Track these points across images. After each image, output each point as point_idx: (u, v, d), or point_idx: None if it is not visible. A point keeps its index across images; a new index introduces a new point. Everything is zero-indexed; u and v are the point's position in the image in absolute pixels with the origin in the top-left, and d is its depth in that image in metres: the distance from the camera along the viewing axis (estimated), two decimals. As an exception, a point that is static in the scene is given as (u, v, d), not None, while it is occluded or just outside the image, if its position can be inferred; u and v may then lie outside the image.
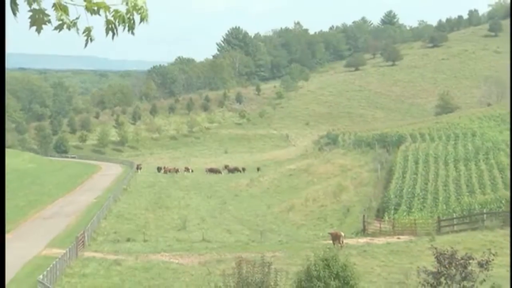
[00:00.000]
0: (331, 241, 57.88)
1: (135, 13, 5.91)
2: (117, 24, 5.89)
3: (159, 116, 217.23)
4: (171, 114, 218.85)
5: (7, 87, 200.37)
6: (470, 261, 30.67)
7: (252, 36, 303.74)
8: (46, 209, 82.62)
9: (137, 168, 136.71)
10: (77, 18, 5.91)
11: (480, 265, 30.58)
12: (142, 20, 5.94)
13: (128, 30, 5.91)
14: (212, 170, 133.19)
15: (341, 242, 57.96)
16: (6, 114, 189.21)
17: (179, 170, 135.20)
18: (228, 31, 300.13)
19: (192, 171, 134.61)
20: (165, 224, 76.90)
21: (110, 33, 5.92)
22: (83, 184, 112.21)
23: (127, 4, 5.90)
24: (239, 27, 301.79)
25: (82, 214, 78.00)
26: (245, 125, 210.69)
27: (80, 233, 61.72)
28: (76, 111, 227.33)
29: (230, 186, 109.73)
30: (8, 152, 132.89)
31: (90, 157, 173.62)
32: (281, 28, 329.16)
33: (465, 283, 29.96)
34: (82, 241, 59.97)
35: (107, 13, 5.90)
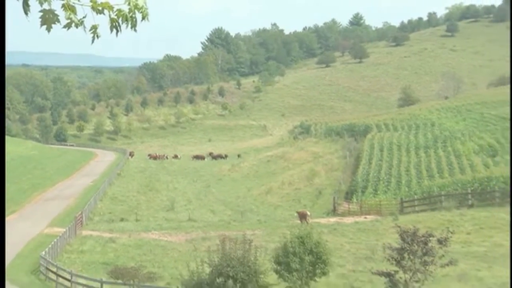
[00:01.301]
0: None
1: (136, 12, 5.91)
2: (120, 22, 5.89)
3: (149, 108, 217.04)
4: (160, 106, 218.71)
5: (12, 82, 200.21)
6: (430, 238, 30.71)
7: (233, 36, 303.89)
8: (47, 192, 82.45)
9: (130, 155, 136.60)
10: (84, 17, 5.91)
11: (439, 241, 30.64)
12: (143, 18, 5.96)
13: (131, 28, 5.92)
14: (197, 157, 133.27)
15: (307, 220, 58.32)
16: (11, 107, 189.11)
17: (168, 157, 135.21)
18: (212, 32, 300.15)
19: (179, 157, 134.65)
20: (155, 205, 76.90)
21: (114, 30, 5.94)
22: (81, 169, 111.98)
23: (129, 4, 5.91)
24: (221, 28, 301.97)
25: (80, 197, 77.88)
26: (227, 116, 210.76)
27: (78, 213, 61.68)
28: (74, 104, 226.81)
29: (214, 171, 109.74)
30: (12, 140, 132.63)
31: (87, 145, 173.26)
32: (259, 29, 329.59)
33: (426, 258, 30.02)
34: (80, 221, 59.91)
35: (111, 13, 5.91)
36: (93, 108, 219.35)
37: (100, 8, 5.82)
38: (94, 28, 5.92)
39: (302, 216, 59.42)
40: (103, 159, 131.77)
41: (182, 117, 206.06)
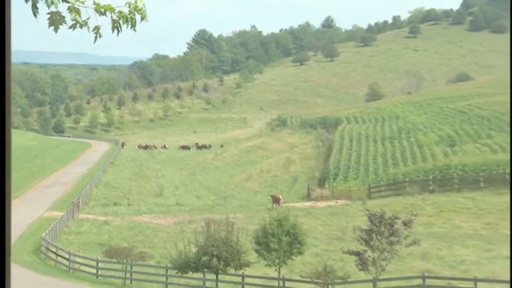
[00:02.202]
0: (283, 204, 58.26)
1: (136, 13, 5.91)
2: (121, 23, 5.89)
3: (140, 102, 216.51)
4: (149, 101, 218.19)
5: (14, 78, 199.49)
6: (396, 220, 30.83)
7: (216, 37, 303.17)
8: (47, 179, 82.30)
9: (122, 145, 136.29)
10: (88, 19, 5.90)
11: (404, 223, 30.76)
12: (142, 19, 5.96)
13: (131, 28, 5.93)
14: (183, 147, 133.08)
15: (280, 203, 58.61)
16: (13, 101, 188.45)
17: (157, 147, 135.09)
18: (196, 33, 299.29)
19: (167, 147, 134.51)
20: (145, 191, 76.83)
21: (116, 31, 5.93)
22: (77, 158, 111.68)
23: (129, 6, 5.91)
24: (205, 29, 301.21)
25: (76, 183, 77.76)
26: (210, 110, 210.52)
27: (75, 198, 61.66)
28: (71, 98, 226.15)
29: (199, 160, 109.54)
30: (14, 132, 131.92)
31: (83, 136, 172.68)
32: (240, 30, 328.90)
33: (392, 238, 30.13)
34: (77, 205, 59.85)
35: (113, 14, 5.91)
36: (88, 103, 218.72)
37: (102, 10, 5.82)
38: (96, 29, 5.91)
39: (275, 200, 60.05)
40: (98, 149, 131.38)
41: (170, 110, 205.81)
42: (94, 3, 5.82)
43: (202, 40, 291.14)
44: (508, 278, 33.11)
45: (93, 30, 5.93)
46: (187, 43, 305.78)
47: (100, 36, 6.04)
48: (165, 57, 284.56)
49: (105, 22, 6.05)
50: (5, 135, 2.04)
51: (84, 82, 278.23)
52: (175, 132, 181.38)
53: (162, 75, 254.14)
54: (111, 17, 5.86)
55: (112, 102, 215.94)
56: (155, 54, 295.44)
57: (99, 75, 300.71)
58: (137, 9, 5.74)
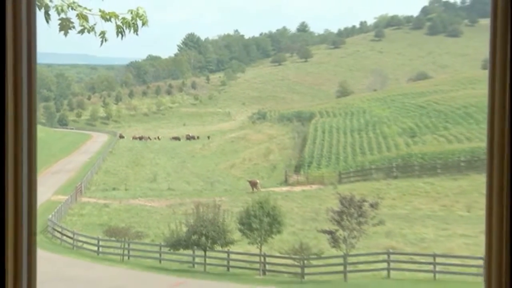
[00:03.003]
0: (262, 189, 58.31)
1: (138, 19, 5.91)
2: (124, 28, 5.88)
3: (135, 98, 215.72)
4: (144, 97, 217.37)
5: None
6: (364, 203, 30.99)
7: (203, 40, 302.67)
8: (53, 167, 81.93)
9: (119, 137, 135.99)
10: (94, 24, 5.89)
11: (371, 205, 30.93)
12: (143, 24, 5.97)
13: (133, 32, 5.93)
14: (174, 138, 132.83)
15: (257, 187, 58.81)
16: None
17: (150, 138, 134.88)
18: (185, 36, 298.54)
19: (160, 139, 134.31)
20: (140, 177, 76.66)
21: (120, 35, 5.93)
22: (80, 148, 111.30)
23: (131, 13, 5.91)
24: (193, 33, 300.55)
25: (79, 170, 77.46)
26: (198, 105, 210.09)
27: (78, 184, 61.48)
28: (73, 95, 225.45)
29: (188, 150, 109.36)
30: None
31: (84, 128, 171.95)
32: (224, 34, 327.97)
33: (360, 219, 30.28)
34: (80, 190, 59.69)
35: (117, 20, 5.90)
36: (89, 98, 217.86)
37: (108, 17, 5.83)
38: (102, 33, 5.91)
39: (253, 184, 60.46)
40: (98, 140, 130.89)
41: (162, 106, 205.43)
42: (100, 11, 5.84)
43: (191, 42, 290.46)
44: (463, 253, 33.38)
45: (99, 35, 5.94)
46: (178, 46, 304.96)
47: (105, 40, 6.05)
48: (157, 58, 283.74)
49: (109, 28, 6.07)
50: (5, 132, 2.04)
51: (85, 80, 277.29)
52: (167, 124, 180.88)
53: (155, 74, 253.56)
54: (116, 23, 5.87)
55: (110, 98, 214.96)
56: (149, 55, 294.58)
57: (98, 74, 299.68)
58: (139, 15, 5.76)
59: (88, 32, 5.81)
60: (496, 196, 2.05)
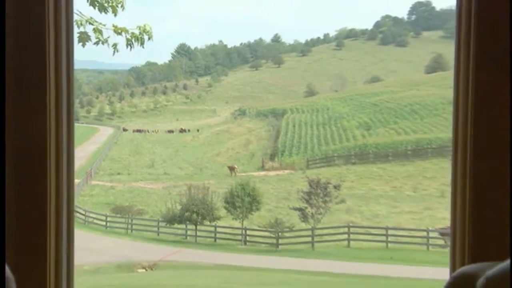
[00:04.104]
0: (244, 173, 58.25)
1: (144, 34, 5.90)
2: (133, 41, 5.88)
3: (135, 97, 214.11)
4: (143, 97, 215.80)
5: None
6: (328, 185, 31.14)
7: (193, 49, 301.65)
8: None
9: (123, 130, 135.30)
10: (108, 37, 5.89)
11: (334, 187, 31.09)
12: (149, 38, 5.96)
13: (140, 45, 5.93)
14: (169, 131, 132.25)
15: (235, 171, 58.85)
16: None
17: (148, 131, 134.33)
18: (178, 46, 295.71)
19: (157, 131, 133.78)
20: (140, 164, 76.27)
21: (129, 47, 5.93)
22: (89, 139, 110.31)
23: (139, 29, 5.90)
24: (184, 43, 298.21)
25: (89, 158, 76.80)
26: (189, 103, 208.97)
27: (88, 169, 61.16)
28: (84, 95, 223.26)
29: (180, 141, 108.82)
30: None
31: (93, 123, 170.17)
32: (210, 44, 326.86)
33: (325, 198, 30.44)
34: (90, 174, 59.33)
35: (127, 34, 5.90)
36: (97, 98, 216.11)
37: (119, 31, 5.82)
38: (114, 45, 5.91)
39: (231, 169, 60.62)
40: (104, 133, 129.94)
41: (158, 104, 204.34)
42: (113, 26, 5.84)
43: (182, 51, 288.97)
44: (410, 226, 33.59)
45: (112, 46, 5.95)
46: (171, 53, 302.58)
47: (117, 51, 6.06)
48: (154, 64, 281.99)
49: (120, 40, 6.06)
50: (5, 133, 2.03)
51: (94, 82, 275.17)
52: (162, 119, 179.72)
53: (152, 77, 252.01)
54: (126, 36, 5.87)
55: (114, 98, 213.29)
56: (147, 62, 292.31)
57: (105, 77, 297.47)
58: (146, 31, 5.77)
59: (102, 43, 5.82)
60: (460, 178, 2.07)
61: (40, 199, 2.17)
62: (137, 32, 5.99)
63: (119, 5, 5.90)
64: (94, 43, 6.03)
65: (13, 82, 2.15)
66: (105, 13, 6.01)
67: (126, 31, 5.98)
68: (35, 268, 2.14)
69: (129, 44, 6.04)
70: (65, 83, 2.32)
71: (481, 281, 1.50)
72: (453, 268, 2.13)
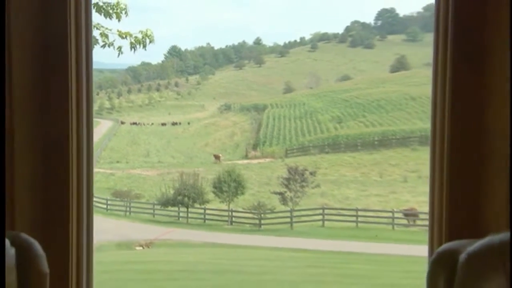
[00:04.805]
0: (230, 161, 58.20)
1: (146, 38, 5.87)
2: (136, 44, 5.85)
3: (132, 94, 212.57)
4: (138, 93, 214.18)
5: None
6: (305, 171, 31.18)
7: (183, 50, 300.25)
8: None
9: (121, 123, 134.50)
10: (113, 41, 5.86)
11: (310, 173, 31.15)
12: (150, 42, 5.94)
13: (143, 48, 5.91)
14: (162, 124, 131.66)
15: (220, 160, 58.93)
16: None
17: (144, 124, 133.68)
18: (170, 47, 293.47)
19: (151, 124, 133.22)
20: (137, 153, 75.98)
21: (133, 50, 5.90)
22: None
23: (141, 33, 5.87)
24: (176, 45, 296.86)
25: (91, 148, 76.67)
26: (180, 99, 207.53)
27: (91, 158, 60.91)
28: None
29: (172, 132, 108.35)
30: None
31: (95, 117, 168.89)
32: (199, 46, 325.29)
33: (303, 183, 30.49)
34: (92, 163, 59.11)
35: (131, 38, 5.87)
36: (97, 94, 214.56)
37: (124, 36, 5.79)
38: (119, 48, 5.88)
39: (217, 157, 60.82)
40: (104, 125, 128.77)
41: (152, 99, 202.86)
42: (118, 31, 5.82)
43: (174, 52, 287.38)
44: (377, 208, 33.74)
45: (117, 49, 5.93)
46: (164, 54, 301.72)
47: (122, 53, 6.03)
48: (149, 64, 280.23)
49: (125, 43, 6.02)
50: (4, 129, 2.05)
51: (95, 80, 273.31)
52: (156, 114, 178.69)
53: (147, 76, 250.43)
54: (129, 40, 5.85)
55: (113, 94, 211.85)
56: (142, 62, 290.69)
57: (104, 75, 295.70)
58: (147, 35, 5.76)
59: (109, 46, 5.80)
60: (437, 164, 2.09)
61: (63, 182, 2.23)
62: (139, 36, 5.96)
63: (123, 12, 5.89)
64: (101, 46, 6.00)
65: (40, 81, 2.18)
66: (110, 19, 5.98)
67: (130, 35, 5.95)
68: (60, 241, 2.20)
69: (132, 47, 6.01)
70: (84, 82, 2.33)
71: (463, 256, 1.52)
72: (431, 246, 2.15)
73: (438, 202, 2.08)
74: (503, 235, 1.51)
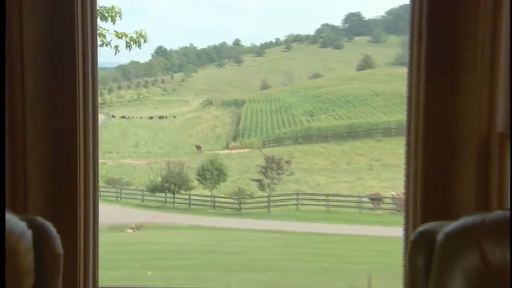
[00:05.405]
0: (212, 151, 58.09)
1: (141, 38, 5.85)
2: (131, 44, 5.81)
3: (122, 90, 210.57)
4: (128, 89, 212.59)
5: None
6: (281, 160, 31.28)
7: (169, 50, 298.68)
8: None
9: (112, 116, 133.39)
10: (110, 40, 5.82)
11: (286, 162, 31.29)
12: (144, 41, 5.91)
13: (138, 47, 5.87)
14: (150, 117, 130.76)
15: (201, 150, 58.83)
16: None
17: (134, 117, 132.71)
18: (156, 48, 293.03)
19: (140, 118, 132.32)
20: (127, 144, 75.37)
21: (128, 49, 5.86)
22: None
23: (136, 33, 5.84)
24: (162, 46, 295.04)
25: (84, 140, 76.00)
26: (166, 95, 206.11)
27: (84, 149, 60.42)
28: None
29: (159, 125, 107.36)
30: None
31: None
32: (183, 46, 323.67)
33: (279, 171, 30.56)
34: (86, 153, 58.66)
35: (126, 38, 5.83)
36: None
37: (120, 35, 5.75)
38: (116, 47, 5.84)
39: (198, 147, 60.51)
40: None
41: (141, 95, 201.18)
42: (115, 31, 5.78)
43: (160, 52, 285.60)
44: (345, 193, 33.92)
45: (114, 47, 5.88)
46: (151, 54, 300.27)
47: (118, 51, 6.00)
48: (137, 62, 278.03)
49: (121, 43, 5.97)
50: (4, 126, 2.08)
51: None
52: (144, 108, 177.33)
53: (136, 73, 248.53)
54: (125, 40, 5.81)
55: (105, 90, 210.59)
56: (131, 60, 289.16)
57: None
58: (142, 35, 5.74)
59: (106, 46, 5.76)
60: (412, 152, 2.11)
61: (71, 170, 2.27)
62: (134, 36, 5.92)
63: (117, 15, 5.84)
64: (99, 45, 5.92)
65: (50, 78, 2.20)
66: (106, 21, 5.96)
67: (126, 35, 5.91)
68: (68, 224, 2.23)
69: (128, 46, 5.98)
70: (90, 79, 2.34)
71: (440, 235, 1.54)
72: (406, 227, 2.17)
73: (413, 187, 2.11)
74: (476, 217, 1.53)
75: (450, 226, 1.52)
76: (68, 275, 2.14)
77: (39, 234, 1.68)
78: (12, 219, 1.62)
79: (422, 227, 1.65)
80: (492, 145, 1.92)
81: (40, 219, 1.73)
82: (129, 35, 5.83)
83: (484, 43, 1.94)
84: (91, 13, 2.25)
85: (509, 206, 1.86)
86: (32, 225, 1.68)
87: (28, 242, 1.63)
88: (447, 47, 2.03)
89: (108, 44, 5.82)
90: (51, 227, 1.72)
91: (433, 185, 2.04)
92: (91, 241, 2.30)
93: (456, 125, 2.02)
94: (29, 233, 1.65)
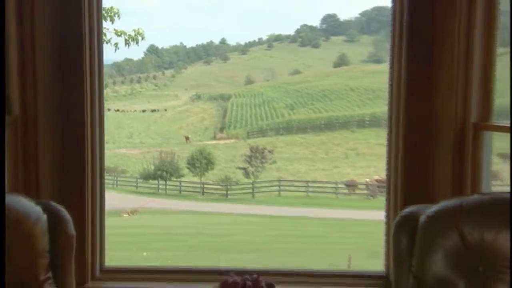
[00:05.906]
0: (201, 142, 57.88)
1: (139, 36, 5.80)
2: (130, 41, 5.76)
3: (117, 85, 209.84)
4: (122, 85, 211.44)
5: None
6: (264, 150, 31.32)
7: (160, 48, 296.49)
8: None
9: (108, 110, 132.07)
10: (110, 38, 5.75)
11: (269, 151, 31.39)
12: (142, 39, 5.86)
13: (136, 44, 5.82)
14: (143, 111, 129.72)
15: (189, 140, 58.63)
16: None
17: (128, 111, 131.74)
18: (149, 46, 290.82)
19: (133, 111, 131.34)
20: (121, 135, 74.50)
21: (127, 46, 5.82)
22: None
23: (134, 31, 5.79)
24: (154, 44, 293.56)
25: (82, 131, 75.22)
26: (157, 90, 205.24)
27: (82, 140, 59.86)
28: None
29: (151, 118, 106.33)
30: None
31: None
32: (173, 45, 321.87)
33: (262, 160, 30.63)
34: (83, 144, 58.12)
35: (125, 36, 5.78)
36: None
37: (119, 33, 5.70)
38: (116, 44, 5.78)
39: (187, 138, 60.22)
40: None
41: (134, 90, 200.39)
42: (114, 29, 5.73)
43: (152, 50, 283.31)
44: (323, 180, 34.02)
45: (114, 45, 5.82)
46: (144, 52, 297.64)
47: (118, 48, 5.95)
48: (131, 60, 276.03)
49: (120, 40, 5.92)
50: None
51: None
52: (138, 102, 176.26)
53: (130, 70, 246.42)
54: (125, 37, 5.76)
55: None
56: (125, 58, 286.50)
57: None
58: (139, 33, 5.69)
59: (106, 43, 5.70)
60: (393, 142, 2.13)
61: (80, 159, 2.27)
62: (133, 34, 5.87)
63: (116, 15, 5.79)
64: (100, 43, 5.87)
65: (59, 75, 2.20)
66: (105, 21, 5.90)
67: (125, 33, 5.86)
68: (77, 208, 2.25)
69: (127, 43, 5.93)
70: (96, 76, 2.33)
71: (422, 218, 1.55)
72: (388, 210, 2.19)
73: (394, 174, 2.12)
74: (455, 200, 1.55)
75: (431, 209, 1.54)
76: (77, 256, 2.15)
77: (54, 217, 1.68)
78: (28, 204, 1.62)
79: (405, 210, 1.66)
80: (466, 135, 1.95)
81: (54, 203, 1.73)
82: (127, 33, 5.78)
83: (460, 42, 1.96)
84: (97, 14, 2.24)
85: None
86: (46, 210, 1.68)
87: (44, 225, 1.63)
88: (426, 46, 2.04)
89: (108, 42, 5.77)
90: (64, 211, 1.72)
91: (412, 172, 2.06)
92: (98, 225, 2.31)
93: (434, 116, 2.04)
94: (44, 217, 1.65)
